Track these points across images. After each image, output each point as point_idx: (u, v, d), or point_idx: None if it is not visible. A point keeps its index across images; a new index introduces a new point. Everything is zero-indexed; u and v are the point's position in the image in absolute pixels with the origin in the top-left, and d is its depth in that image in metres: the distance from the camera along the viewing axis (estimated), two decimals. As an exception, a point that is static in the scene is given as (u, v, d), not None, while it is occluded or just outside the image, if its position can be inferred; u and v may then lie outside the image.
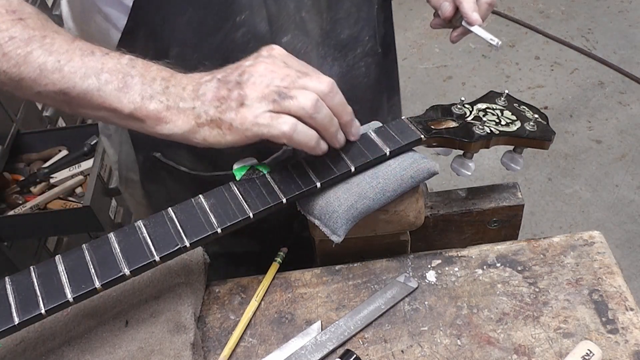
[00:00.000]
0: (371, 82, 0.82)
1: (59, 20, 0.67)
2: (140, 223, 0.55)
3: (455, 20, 0.78)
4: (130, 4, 0.64)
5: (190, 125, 0.55)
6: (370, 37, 0.81)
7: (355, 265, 0.65)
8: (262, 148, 0.60)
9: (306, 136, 0.55)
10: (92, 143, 1.48)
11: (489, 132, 0.63)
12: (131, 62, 0.57)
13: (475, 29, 0.76)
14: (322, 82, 0.56)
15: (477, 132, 0.63)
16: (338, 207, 0.58)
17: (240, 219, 0.55)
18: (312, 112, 0.54)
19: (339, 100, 0.57)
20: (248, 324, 0.61)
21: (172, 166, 0.77)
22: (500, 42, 0.74)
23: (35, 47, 0.55)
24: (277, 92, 0.54)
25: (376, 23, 0.81)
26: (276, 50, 0.58)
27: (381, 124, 0.63)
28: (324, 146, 0.57)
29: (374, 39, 0.82)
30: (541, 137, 0.65)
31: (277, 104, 0.54)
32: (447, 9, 0.77)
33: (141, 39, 0.67)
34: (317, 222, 0.60)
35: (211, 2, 0.65)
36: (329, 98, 0.56)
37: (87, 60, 0.56)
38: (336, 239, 0.59)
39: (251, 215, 0.55)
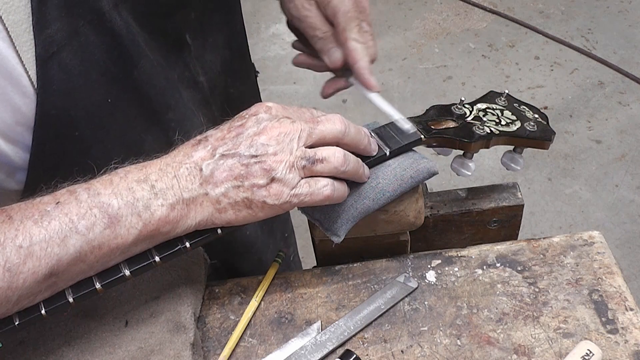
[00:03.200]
0: None
1: None
2: None
3: (340, 72, 0.67)
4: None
5: (208, 212, 0.51)
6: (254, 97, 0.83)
7: (355, 265, 0.65)
8: None
9: (341, 191, 0.55)
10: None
11: (489, 132, 0.63)
12: (89, 190, 0.48)
13: (375, 97, 0.64)
14: (335, 122, 0.53)
15: (477, 132, 0.63)
16: (338, 207, 0.58)
17: None
18: (343, 168, 0.53)
19: (353, 130, 0.55)
20: (248, 324, 0.61)
21: None
22: (413, 129, 0.60)
23: None
24: (303, 157, 0.51)
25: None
26: (273, 107, 0.54)
27: (381, 124, 0.63)
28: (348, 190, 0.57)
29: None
30: (541, 137, 0.65)
31: (307, 169, 0.52)
32: (336, 57, 0.65)
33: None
34: (317, 223, 0.60)
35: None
36: (346, 134, 0.54)
37: (47, 223, 0.45)
38: (336, 239, 0.59)
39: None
